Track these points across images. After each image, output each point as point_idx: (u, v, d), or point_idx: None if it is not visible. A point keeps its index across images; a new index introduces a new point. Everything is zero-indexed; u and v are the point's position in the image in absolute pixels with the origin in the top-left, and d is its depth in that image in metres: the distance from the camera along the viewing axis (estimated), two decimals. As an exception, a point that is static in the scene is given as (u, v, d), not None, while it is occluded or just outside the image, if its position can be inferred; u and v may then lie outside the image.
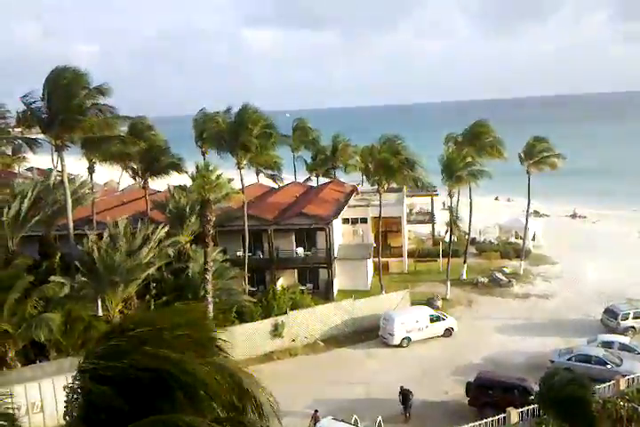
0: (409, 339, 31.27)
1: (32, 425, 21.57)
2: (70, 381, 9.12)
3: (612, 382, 23.47)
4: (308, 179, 60.83)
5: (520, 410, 21.60)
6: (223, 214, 37.32)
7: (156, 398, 8.79)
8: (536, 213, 63.51)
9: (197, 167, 30.92)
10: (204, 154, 47.09)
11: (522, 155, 42.82)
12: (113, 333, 9.43)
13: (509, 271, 43.09)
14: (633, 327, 31.64)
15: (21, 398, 22.16)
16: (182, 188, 39.00)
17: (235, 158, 37.94)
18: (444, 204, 58.68)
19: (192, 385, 8.73)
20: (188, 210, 35.76)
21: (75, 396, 9.15)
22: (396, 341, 31.08)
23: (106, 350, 9.09)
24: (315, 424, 21.99)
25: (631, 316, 31.83)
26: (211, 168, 30.87)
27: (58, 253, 32.59)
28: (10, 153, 51.06)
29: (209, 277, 30.07)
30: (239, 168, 38.34)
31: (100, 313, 28.55)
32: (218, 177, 30.60)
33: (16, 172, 51.44)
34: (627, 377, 24.03)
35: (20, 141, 53.71)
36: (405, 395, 24.05)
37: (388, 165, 37.93)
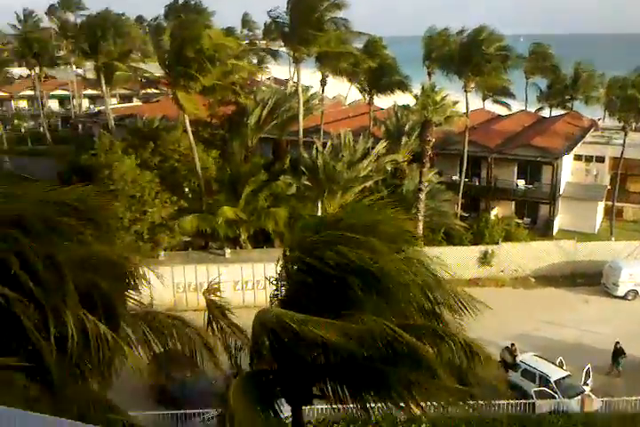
0: (636, 293, 28.16)
1: (257, 298, 24.29)
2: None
3: None
4: (541, 109, 55.79)
5: None
6: (443, 137, 36.36)
7: (350, 296, 8.73)
8: None
9: (423, 87, 30.17)
10: (430, 75, 45.62)
11: None
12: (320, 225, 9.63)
13: None
14: None
15: (249, 275, 25.00)
16: (406, 107, 38.58)
17: (462, 81, 36.10)
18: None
19: (386, 285, 8.60)
20: (407, 129, 35.56)
21: (280, 280, 9.56)
22: (621, 292, 28.20)
23: (308, 243, 9.25)
24: (513, 358, 21.13)
25: None
26: (436, 89, 29.93)
27: (288, 155, 35.05)
28: (256, 62, 55.08)
29: (422, 196, 30.00)
30: (466, 91, 36.49)
31: (319, 214, 30.41)
32: (442, 98, 29.64)
33: (259, 80, 55.51)
34: None
35: (265, 53, 57.83)
36: (618, 352, 21.89)
37: (637, 102, 33.02)
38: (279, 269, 9.81)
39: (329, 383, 9.13)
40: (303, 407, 10.10)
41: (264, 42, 58.52)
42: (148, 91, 56.39)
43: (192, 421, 15.73)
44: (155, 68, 33.82)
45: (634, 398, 18.28)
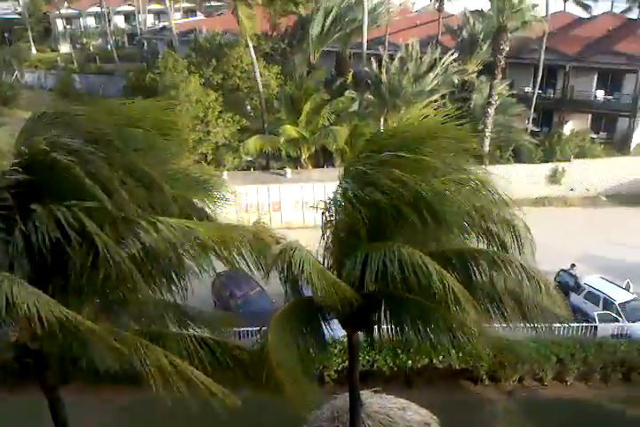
0: None
1: (316, 218, 24.62)
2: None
3: None
4: (628, 10, 50.50)
5: None
6: (518, 44, 33.97)
7: (401, 222, 8.60)
8: None
9: (500, -11, 27.83)
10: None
11: None
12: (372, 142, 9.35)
13: None
14: None
15: (310, 195, 25.44)
16: (479, 12, 36.00)
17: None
18: None
19: (436, 209, 8.23)
20: (481, 37, 33.40)
21: (334, 201, 9.34)
22: (701, 211, 26.76)
23: (361, 165, 8.77)
24: (575, 278, 20.64)
25: None
26: (514, -10, 27.66)
27: (351, 70, 34.08)
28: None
29: (491, 111, 28.90)
30: (546, -9, 33.44)
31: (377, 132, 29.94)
32: (521, 1, 27.50)
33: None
34: None
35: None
36: None
37: None
38: (333, 192, 9.59)
39: (379, 312, 9.23)
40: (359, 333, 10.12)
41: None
42: (213, 3, 55.20)
43: (251, 338, 15.57)
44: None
45: None
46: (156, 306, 8.28)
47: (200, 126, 24.32)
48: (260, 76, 28.74)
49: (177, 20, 50.49)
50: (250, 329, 16.06)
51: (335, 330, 10.19)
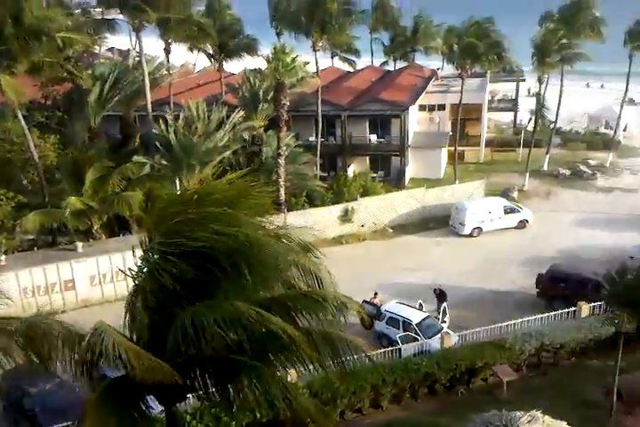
0: (480, 229, 30.89)
1: (117, 291, 23.41)
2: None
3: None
4: (385, 63, 57.75)
5: (592, 304, 20.87)
6: (297, 99, 36.56)
7: (221, 276, 8.65)
8: (631, 101, 57.84)
9: (274, 49, 29.85)
10: (278, 35, 45.16)
11: (627, 36, 38.60)
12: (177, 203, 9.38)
13: (595, 164, 40.72)
14: None
15: (107, 268, 24.01)
16: (257, 71, 38.19)
17: (310, 39, 36.30)
18: (529, 90, 55.16)
19: (256, 262, 8.49)
20: (262, 94, 35.25)
21: (141, 269, 9.19)
22: (467, 231, 30.80)
23: (169, 225, 8.75)
24: (376, 307, 22.15)
25: None
26: (287, 50, 29.84)
27: (138, 133, 33.51)
28: (91, 33, 50.80)
29: (282, 161, 30.25)
30: (314, 50, 36.85)
31: (179, 192, 29.63)
32: (293, 60, 29.66)
33: (97, 52, 51.83)
34: None
35: (99, 23, 53.22)
36: (440, 297, 23.10)
37: (475, 48, 35.10)
38: (139, 259, 9.17)
39: (198, 376, 8.93)
40: (177, 404, 9.75)
41: (99, 10, 54.25)
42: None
43: None
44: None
45: (482, 328, 19.98)
46: None
47: (-36, 208, 21.82)
48: (36, 147, 26.89)
49: None
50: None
51: (152, 407, 9.57)
